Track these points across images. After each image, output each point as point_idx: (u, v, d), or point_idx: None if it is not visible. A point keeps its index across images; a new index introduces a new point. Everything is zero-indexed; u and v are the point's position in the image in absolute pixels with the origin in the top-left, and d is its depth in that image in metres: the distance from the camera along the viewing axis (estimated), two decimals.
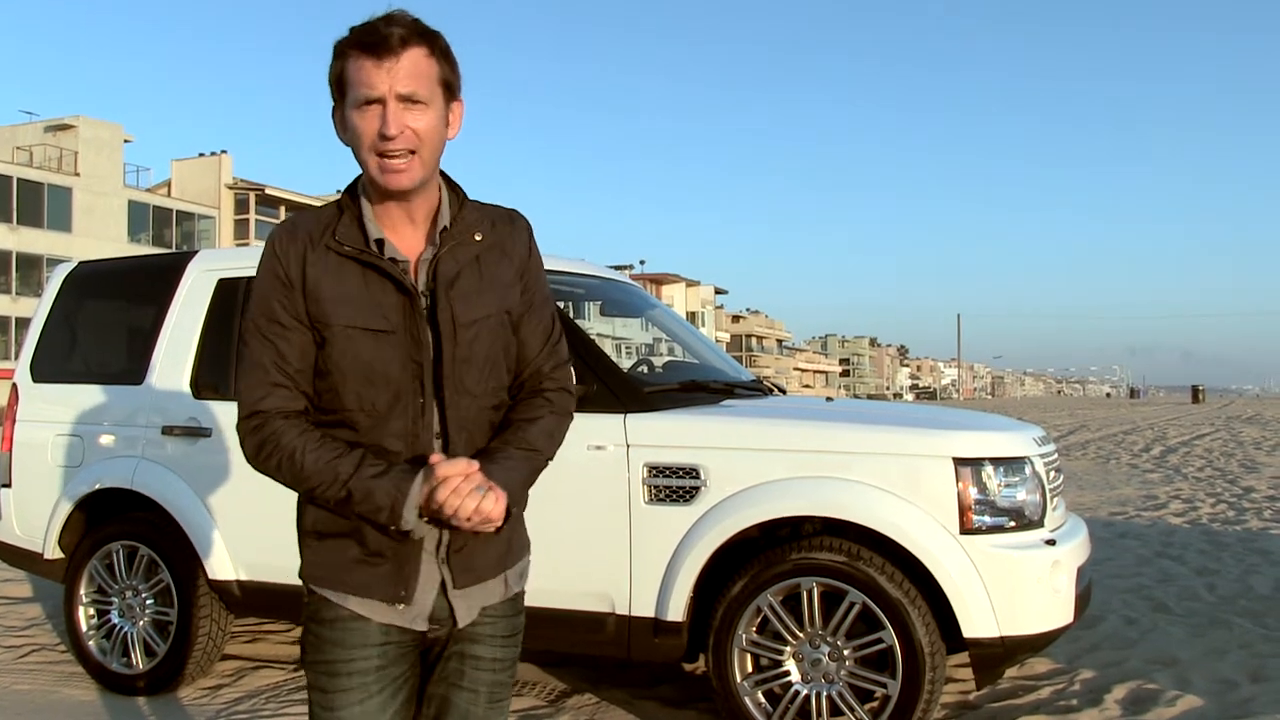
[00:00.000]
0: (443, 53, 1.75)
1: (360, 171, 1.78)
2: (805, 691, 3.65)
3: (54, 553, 4.82)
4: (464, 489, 1.65)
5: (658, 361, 5.35)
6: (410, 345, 1.74)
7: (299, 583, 1.87)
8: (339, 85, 1.73)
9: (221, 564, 4.43)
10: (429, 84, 1.71)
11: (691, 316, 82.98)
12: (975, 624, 3.48)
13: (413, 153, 1.70)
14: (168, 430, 4.59)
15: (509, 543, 1.89)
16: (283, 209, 55.39)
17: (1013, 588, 3.51)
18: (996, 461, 3.65)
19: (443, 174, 1.84)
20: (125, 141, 52.48)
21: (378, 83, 1.67)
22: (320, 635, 1.81)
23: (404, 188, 1.72)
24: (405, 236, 1.79)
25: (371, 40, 1.68)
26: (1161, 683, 4.46)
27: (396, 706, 1.82)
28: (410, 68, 1.69)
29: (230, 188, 55.76)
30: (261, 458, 1.75)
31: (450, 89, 1.77)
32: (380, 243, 1.76)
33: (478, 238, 1.82)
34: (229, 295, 4.63)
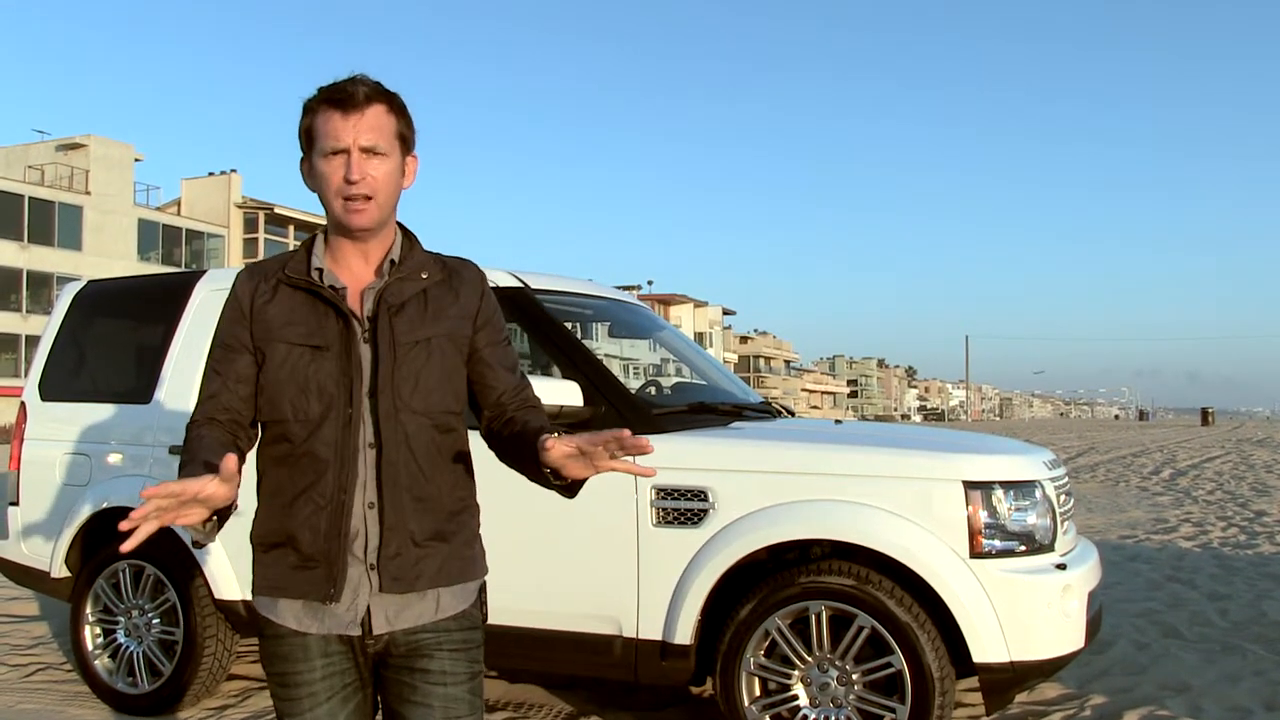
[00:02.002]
0: (400, 110, 1.95)
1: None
2: (813, 716, 3.62)
3: (60, 571, 4.81)
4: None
5: (665, 383, 5.34)
6: (344, 362, 1.90)
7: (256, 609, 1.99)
8: (308, 137, 1.93)
9: (227, 583, 4.42)
10: (388, 137, 1.91)
11: (699, 337, 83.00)
12: (985, 649, 3.45)
13: (370, 197, 1.89)
14: (175, 450, 4.58)
15: (444, 562, 1.94)
16: (291, 228, 55.71)
17: (1023, 612, 3.48)
18: (1007, 485, 3.62)
19: (400, 225, 2.03)
20: (136, 160, 52.85)
21: (343, 134, 1.87)
22: (270, 650, 1.96)
23: (364, 226, 1.91)
24: (356, 271, 1.97)
25: (339, 97, 1.88)
26: (1174, 709, 4.42)
27: (347, 712, 1.95)
28: (373, 122, 1.88)
29: (240, 207, 56.07)
30: (185, 439, 1.94)
31: (406, 143, 1.97)
32: (320, 271, 1.94)
33: (424, 276, 1.98)
34: None
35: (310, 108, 1.92)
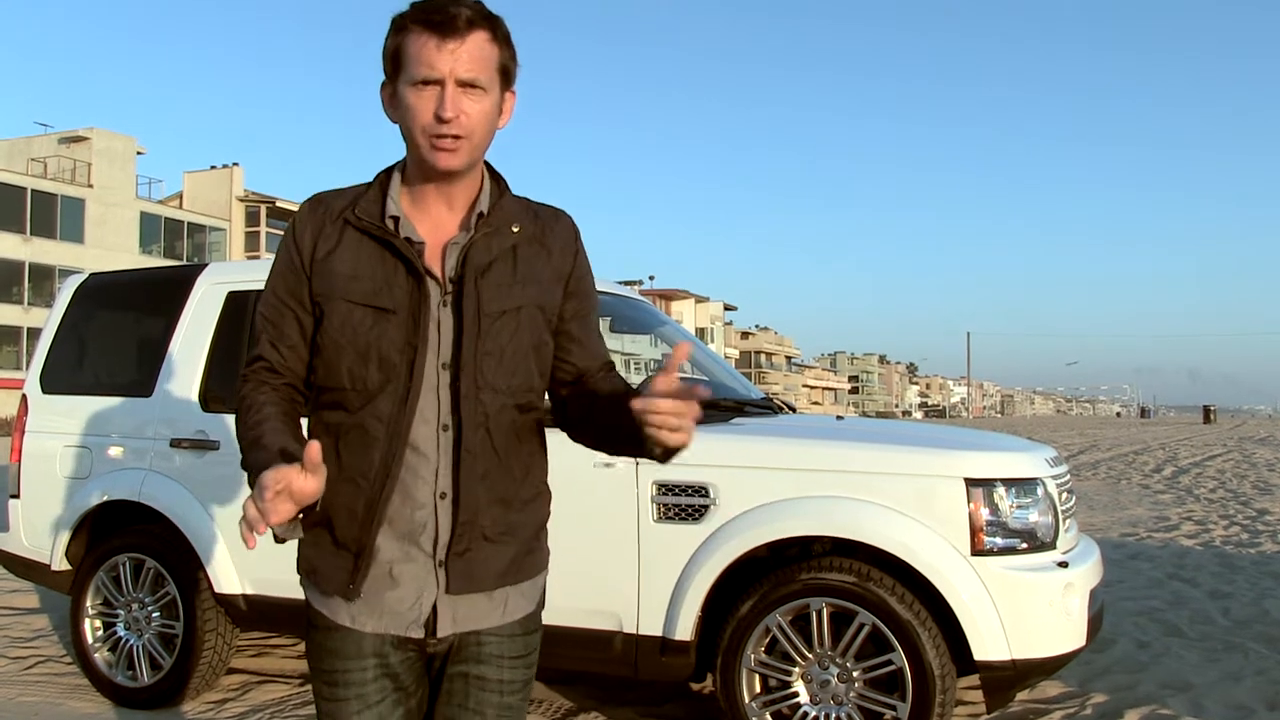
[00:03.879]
0: (505, 38, 1.70)
1: (404, 154, 1.76)
2: (814, 713, 3.61)
3: (61, 564, 4.81)
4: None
5: None
6: (410, 329, 1.69)
7: (304, 596, 1.85)
8: (394, 60, 1.68)
9: (228, 577, 4.41)
10: (489, 70, 1.67)
11: (701, 333, 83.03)
12: (986, 646, 3.45)
13: (463, 137, 1.66)
14: (176, 443, 4.58)
15: (515, 557, 1.79)
16: None
17: (1024, 610, 3.48)
18: (1008, 482, 3.62)
19: (487, 164, 1.80)
20: (138, 153, 52.94)
21: (439, 64, 1.62)
22: (318, 642, 1.79)
23: (453, 168, 1.68)
24: (439, 219, 1.75)
25: (438, 19, 1.62)
26: (1175, 708, 4.41)
27: (397, 717, 1.77)
28: (474, 51, 1.64)
29: (241, 200, 56.16)
30: (239, 405, 1.77)
31: (508, 76, 1.72)
32: (395, 220, 1.72)
33: (515, 229, 1.76)
34: (239, 308, 4.63)
35: (401, 25, 1.66)
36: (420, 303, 1.69)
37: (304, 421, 1.80)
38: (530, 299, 1.75)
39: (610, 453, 1.81)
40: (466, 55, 1.63)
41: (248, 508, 1.51)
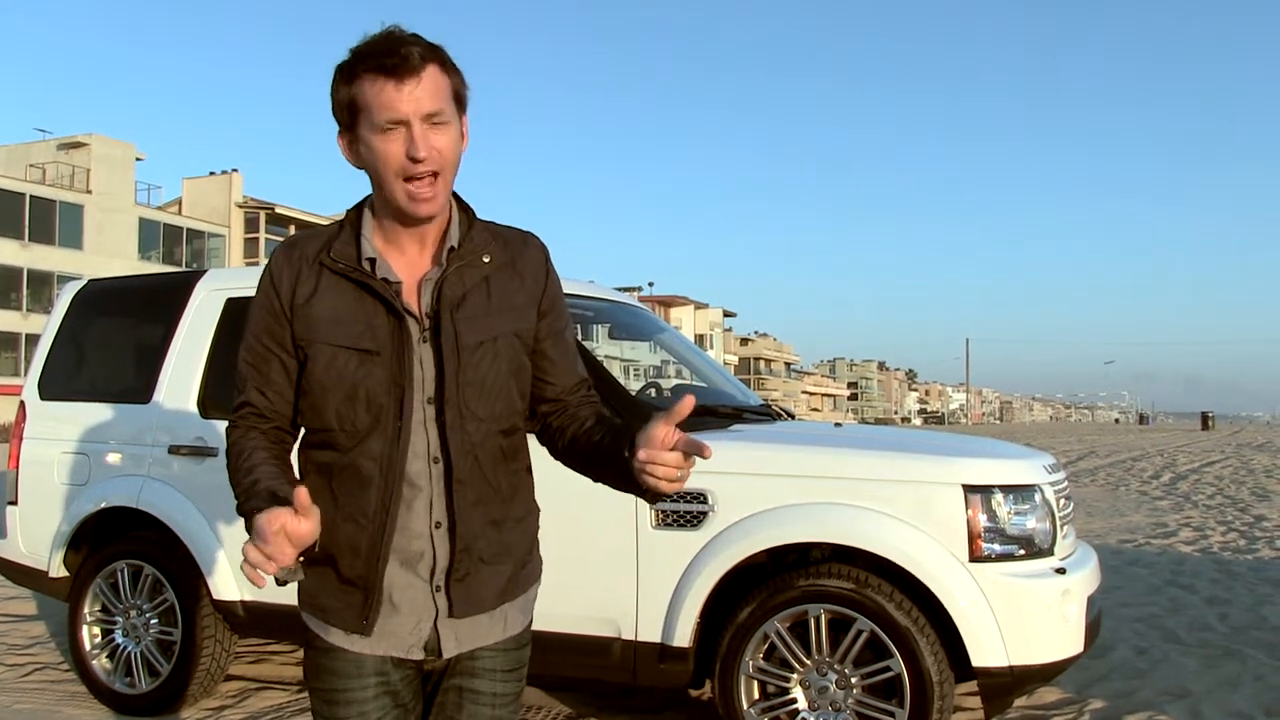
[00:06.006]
0: (451, 66, 1.72)
1: (369, 192, 1.78)
2: (812, 719, 3.62)
3: (59, 571, 4.81)
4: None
5: (666, 385, 5.34)
6: (396, 368, 1.71)
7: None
8: (349, 109, 1.69)
9: (226, 584, 4.41)
10: (447, 100, 1.69)
11: (700, 339, 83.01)
12: (984, 653, 3.45)
13: (438, 173, 1.68)
14: (174, 449, 4.58)
15: (512, 575, 1.83)
16: (292, 228, 55.72)
17: (1022, 616, 3.48)
18: (1006, 489, 3.62)
19: (455, 194, 1.81)
20: (137, 159, 52.94)
21: (402, 106, 1.64)
22: (317, 662, 1.81)
23: (434, 214, 1.71)
24: (412, 257, 1.76)
25: (393, 63, 1.63)
26: (1173, 714, 4.41)
27: None
28: (431, 87, 1.66)
29: (240, 206, 56.16)
30: (229, 452, 1.81)
31: (461, 101, 1.74)
32: (372, 262, 1.73)
33: (486, 259, 1.78)
34: (237, 315, 4.63)
35: (351, 75, 1.66)
36: (403, 342, 1.71)
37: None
38: (506, 326, 1.78)
39: (595, 481, 1.83)
40: (425, 92, 1.65)
41: (249, 552, 1.53)
